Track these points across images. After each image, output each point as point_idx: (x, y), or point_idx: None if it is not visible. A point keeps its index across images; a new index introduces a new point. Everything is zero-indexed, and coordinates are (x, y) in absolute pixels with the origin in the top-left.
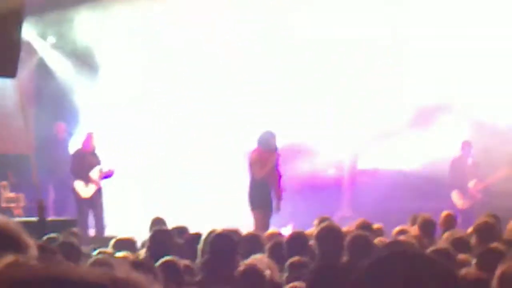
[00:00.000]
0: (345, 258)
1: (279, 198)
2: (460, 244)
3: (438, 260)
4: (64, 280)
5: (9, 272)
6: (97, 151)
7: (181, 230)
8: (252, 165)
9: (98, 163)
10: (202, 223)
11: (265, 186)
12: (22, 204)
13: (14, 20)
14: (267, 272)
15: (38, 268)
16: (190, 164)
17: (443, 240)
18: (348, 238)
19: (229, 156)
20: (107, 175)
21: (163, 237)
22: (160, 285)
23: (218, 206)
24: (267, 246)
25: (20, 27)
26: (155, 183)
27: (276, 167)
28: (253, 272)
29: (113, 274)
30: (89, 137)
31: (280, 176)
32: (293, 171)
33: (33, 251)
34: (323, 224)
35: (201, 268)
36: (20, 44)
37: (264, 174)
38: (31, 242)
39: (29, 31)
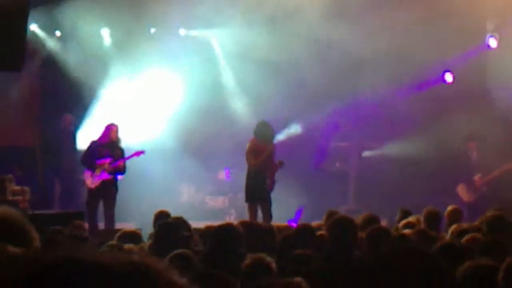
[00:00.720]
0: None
1: (270, 190)
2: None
3: (437, 257)
4: (89, 264)
5: (35, 257)
6: (116, 144)
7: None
8: (247, 155)
9: (113, 155)
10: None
11: (260, 177)
12: (27, 197)
13: (19, 14)
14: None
15: (62, 253)
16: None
17: (449, 233)
18: (367, 232)
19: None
20: (118, 170)
21: (169, 230)
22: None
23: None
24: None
25: (26, 21)
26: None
27: (271, 158)
28: (261, 264)
29: (137, 258)
30: (106, 129)
31: (273, 169)
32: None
33: (37, 243)
34: (336, 216)
35: (203, 260)
36: (26, 38)
37: (258, 165)
38: (35, 235)
39: (35, 25)
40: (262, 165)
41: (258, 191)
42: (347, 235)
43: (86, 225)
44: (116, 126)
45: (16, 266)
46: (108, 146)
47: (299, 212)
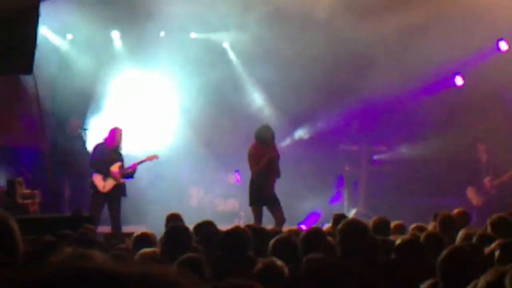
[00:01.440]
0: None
1: (262, 198)
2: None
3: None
4: (102, 274)
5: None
6: (121, 149)
7: (200, 226)
8: (248, 160)
9: (120, 159)
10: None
11: (262, 182)
12: (38, 200)
13: (30, 16)
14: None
15: (72, 262)
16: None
17: (460, 238)
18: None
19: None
20: (128, 174)
21: (179, 234)
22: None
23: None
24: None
25: (36, 24)
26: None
27: (273, 163)
28: (272, 269)
29: (154, 269)
30: (112, 133)
31: (274, 173)
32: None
33: (20, 247)
34: (348, 219)
35: (213, 265)
36: (36, 41)
37: (258, 170)
38: (21, 245)
39: (45, 28)
40: (264, 170)
41: (260, 195)
42: (358, 239)
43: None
44: (121, 130)
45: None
46: (115, 150)
47: (312, 216)
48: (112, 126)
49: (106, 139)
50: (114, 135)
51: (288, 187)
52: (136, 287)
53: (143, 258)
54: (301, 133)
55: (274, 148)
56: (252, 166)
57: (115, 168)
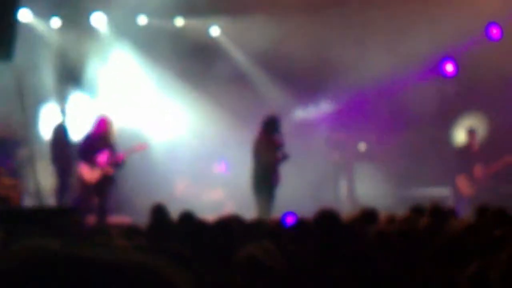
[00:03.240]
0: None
1: (275, 184)
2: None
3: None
4: (93, 263)
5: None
6: (110, 136)
7: (184, 217)
8: (258, 148)
9: (108, 147)
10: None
11: (266, 170)
12: (20, 190)
13: (9, 1)
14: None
15: (60, 250)
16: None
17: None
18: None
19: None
20: (117, 162)
21: (163, 225)
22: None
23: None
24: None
25: (16, 9)
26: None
27: (277, 152)
28: (253, 260)
29: (144, 260)
30: (100, 121)
31: (279, 162)
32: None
33: None
34: (322, 209)
35: (197, 257)
36: (17, 27)
37: (263, 159)
38: None
39: (27, 13)
40: (271, 158)
41: (263, 184)
42: (332, 229)
43: (85, 220)
44: (109, 118)
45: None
46: (103, 138)
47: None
48: (100, 115)
49: (93, 128)
50: (101, 124)
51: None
52: (102, 272)
53: (126, 248)
54: (289, 122)
55: (280, 138)
56: (263, 154)
57: (102, 157)
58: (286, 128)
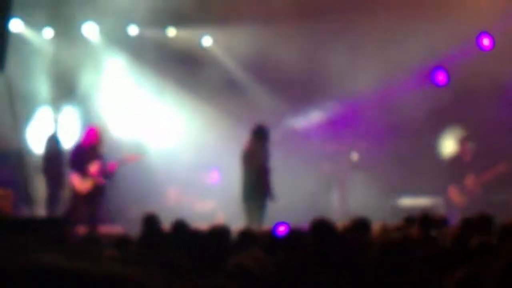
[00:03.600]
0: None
1: (265, 193)
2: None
3: None
4: (62, 273)
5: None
6: (101, 147)
7: (178, 226)
8: (247, 157)
9: (99, 158)
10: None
11: (255, 180)
12: (11, 200)
13: (0, 11)
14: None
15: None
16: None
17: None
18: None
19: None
20: (108, 172)
21: (156, 234)
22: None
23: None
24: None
25: (8, 19)
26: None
27: (266, 161)
28: (242, 269)
29: (111, 269)
30: (90, 131)
31: (268, 171)
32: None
33: None
34: (316, 218)
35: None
36: (8, 37)
37: (254, 167)
38: None
39: (19, 23)
40: (263, 166)
41: (251, 193)
42: (326, 238)
43: (76, 230)
44: (99, 128)
45: None
46: (94, 149)
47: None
48: (90, 125)
49: (83, 138)
50: (92, 134)
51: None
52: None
53: (115, 259)
54: (280, 131)
55: (268, 148)
56: (252, 163)
57: (94, 168)
58: (277, 137)
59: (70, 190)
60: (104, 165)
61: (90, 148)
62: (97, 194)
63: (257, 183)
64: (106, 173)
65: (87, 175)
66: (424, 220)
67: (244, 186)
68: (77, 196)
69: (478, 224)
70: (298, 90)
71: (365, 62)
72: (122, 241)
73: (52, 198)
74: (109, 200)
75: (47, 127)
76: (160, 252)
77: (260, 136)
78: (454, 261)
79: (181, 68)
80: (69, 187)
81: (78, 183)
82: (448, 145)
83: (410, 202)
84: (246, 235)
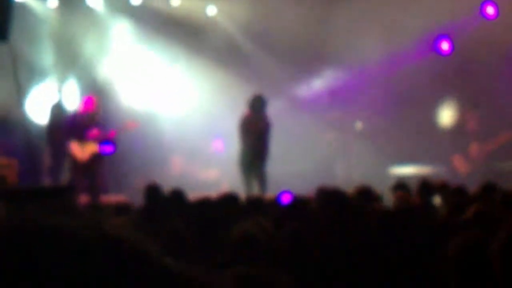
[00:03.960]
0: None
1: (263, 162)
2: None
3: None
4: (51, 232)
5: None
6: (98, 115)
7: (178, 196)
8: (239, 129)
9: (97, 126)
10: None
11: (252, 149)
12: (16, 170)
13: None
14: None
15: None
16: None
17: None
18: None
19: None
20: (107, 138)
21: (158, 203)
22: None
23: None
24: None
25: None
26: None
27: (263, 134)
28: (247, 238)
29: (105, 230)
30: (88, 100)
31: (266, 144)
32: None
33: None
34: (324, 187)
35: (191, 236)
36: (12, 7)
37: (250, 137)
38: None
39: None
40: (255, 140)
41: (250, 165)
42: (337, 208)
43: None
44: (96, 98)
45: None
46: (91, 117)
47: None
48: (87, 95)
49: (80, 107)
50: (89, 102)
51: (272, 155)
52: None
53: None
54: (283, 101)
55: (266, 118)
56: (242, 135)
57: (92, 133)
58: (281, 105)
59: (70, 159)
60: (103, 132)
61: (87, 116)
62: (96, 162)
63: (253, 152)
64: (105, 139)
65: (85, 140)
66: (424, 188)
67: (241, 156)
68: (76, 165)
69: (481, 192)
70: (302, 58)
71: (369, 30)
72: (122, 209)
73: (56, 168)
74: (112, 170)
75: (51, 97)
76: (161, 222)
77: (256, 106)
78: (452, 230)
79: (186, 37)
80: (69, 156)
81: (77, 151)
82: (447, 115)
83: (411, 170)
84: (251, 203)
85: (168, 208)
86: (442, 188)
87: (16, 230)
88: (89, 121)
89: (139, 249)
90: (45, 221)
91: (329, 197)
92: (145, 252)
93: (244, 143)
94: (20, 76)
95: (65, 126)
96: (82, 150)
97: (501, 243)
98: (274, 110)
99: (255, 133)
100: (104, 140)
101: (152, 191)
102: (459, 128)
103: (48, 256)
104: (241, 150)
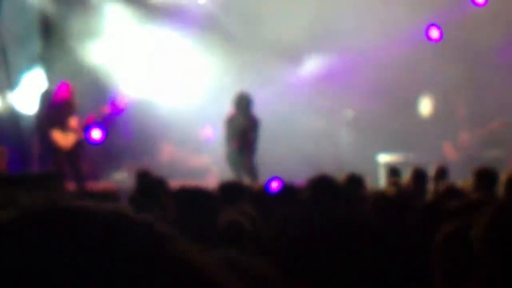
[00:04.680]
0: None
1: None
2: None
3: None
4: (75, 210)
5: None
6: (74, 102)
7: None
8: (224, 128)
9: (74, 113)
10: None
11: (237, 150)
12: (5, 157)
13: None
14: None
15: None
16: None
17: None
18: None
19: None
20: (87, 125)
21: (149, 189)
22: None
23: None
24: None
25: None
26: None
27: (249, 133)
28: (234, 225)
29: (122, 209)
30: (63, 87)
31: (252, 143)
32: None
33: None
34: (315, 176)
35: (173, 224)
36: None
37: (234, 139)
38: None
39: None
40: (238, 140)
41: (237, 162)
42: (326, 194)
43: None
44: (70, 84)
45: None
46: (67, 104)
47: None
48: (61, 81)
49: (56, 94)
50: (64, 90)
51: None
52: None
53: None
54: (273, 88)
55: (251, 117)
56: (227, 134)
57: (73, 122)
58: (270, 91)
59: (54, 147)
60: (81, 119)
61: (64, 104)
62: (78, 149)
63: (239, 151)
64: (85, 126)
65: (67, 129)
66: (417, 174)
67: (227, 154)
68: (59, 153)
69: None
70: (292, 46)
71: (359, 18)
72: (110, 196)
73: (45, 154)
74: (100, 157)
75: (40, 84)
76: (151, 208)
77: (241, 105)
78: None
79: (178, 24)
80: (52, 144)
81: (60, 139)
82: (426, 104)
83: (401, 158)
84: (233, 189)
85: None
86: (437, 174)
87: (61, 212)
88: (67, 108)
89: (166, 233)
90: (74, 204)
91: (319, 183)
92: (170, 238)
93: (229, 142)
94: (9, 61)
95: (45, 116)
96: (64, 138)
97: (484, 227)
98: (266, 96)
99: (240, 131)
100: (85, 127)
101: (143, 176)
102: (448, 115)
103: (94, 234)
104: (227, 149)
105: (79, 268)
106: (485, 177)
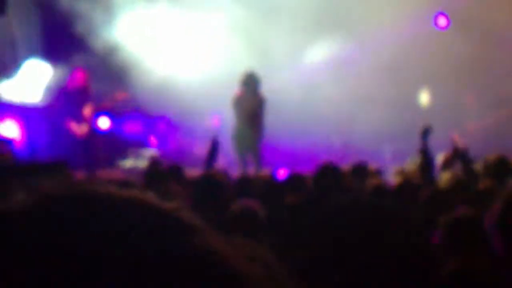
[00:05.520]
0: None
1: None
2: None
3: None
4: (97, 197)
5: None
6: (89, 88)
7: (177, 170)
8: (233, 107)
9: (89, 100)
10: None
11: (246, 130)
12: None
13: None
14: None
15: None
16: None
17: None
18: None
19: None
20: (101, 112)
21: (159, 178)
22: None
23: None
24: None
25: None
26: None
27: (257, 111)
28: (248, 213)
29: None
30: (77, 74)
31: (260, 122)
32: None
33: None
34: (321, 164)
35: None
36: None
37: (243, 118)
38: None
39: None
40: (246, 119)
41: (245, 144)
42: (331, 182)
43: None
44: (85, 71)
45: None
46: (82, 91)
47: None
48: (76, 68)
49: (69, 82)
50: (79, 76)
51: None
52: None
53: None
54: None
55: (259, 95)
56: (236, 113)
57: (87, 111)
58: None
59: (69, 136)
60: (96, 106)
61: (79, 91)
62: (93, 138)
63: (247, 130)
64: (100, 113)
65: (81, 117)
66: (426, 163)
67: (235, 133)
68: (76, 141)
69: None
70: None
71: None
72: (122, 185)
73: (55, 144)
74: (109, 143)
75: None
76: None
77: (249, 83)
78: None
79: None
80: (66, 133)
81: (76, 128)
82: (424, 96)
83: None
84: (244, 182)
85: (167, 181)
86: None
87: (89, 197)
88: (82, 96)
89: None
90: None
91: (324, 170)
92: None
93: (238, 121)
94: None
95: (58, 104)
96: (79, 126)
97: (498, 215)
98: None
99: (249, 111)
100: (98, 113)
101: (153, 165)
102: (455, 104)
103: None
104: (236, 128)
105: (110, 255)
106: (497, 165)
